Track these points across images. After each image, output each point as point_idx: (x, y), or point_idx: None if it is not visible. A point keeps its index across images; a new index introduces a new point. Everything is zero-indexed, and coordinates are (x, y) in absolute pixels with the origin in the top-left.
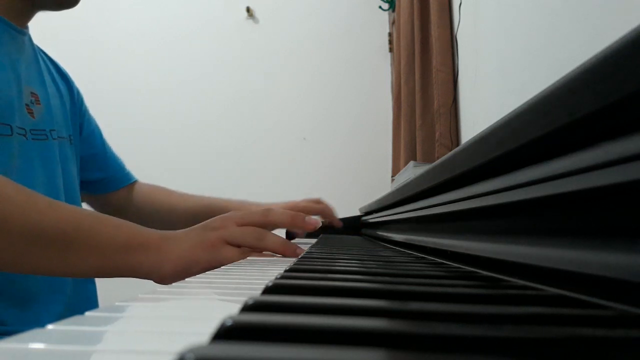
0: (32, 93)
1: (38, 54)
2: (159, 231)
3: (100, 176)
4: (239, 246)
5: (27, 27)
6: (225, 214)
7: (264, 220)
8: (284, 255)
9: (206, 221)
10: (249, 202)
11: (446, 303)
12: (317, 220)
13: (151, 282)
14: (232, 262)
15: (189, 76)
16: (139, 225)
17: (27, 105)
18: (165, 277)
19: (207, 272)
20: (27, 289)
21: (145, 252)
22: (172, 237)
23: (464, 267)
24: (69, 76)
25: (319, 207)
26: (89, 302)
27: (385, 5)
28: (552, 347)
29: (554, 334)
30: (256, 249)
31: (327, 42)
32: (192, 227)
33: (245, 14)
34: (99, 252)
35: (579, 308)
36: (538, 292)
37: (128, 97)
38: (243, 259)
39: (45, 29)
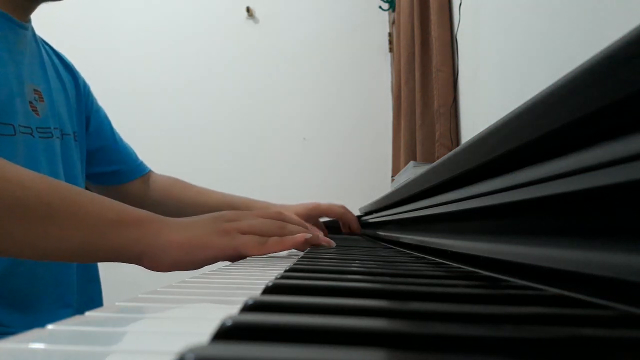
0: (35, 90)
1: (41, 46)
2: (157, 215)
3: (111, 169)
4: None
5: (29, 21)
6: (237, 211)
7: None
8: (314, 244)
9: (215, 213)
10: (273, 204)
11: (446, 303)
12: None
13: (150, 282)
14: (249, 251)
15: (188, 76)
16: (134, 207)
17: (30, 103)
18: (162, 263)
19: (206, 272)
20: (32, 294)
21: (140, 230)
22: (173, 222)
23: (464, 267)
24: (74, 68)
25: (340, 211)
26: (93, 303)
27: (385, 5)
28: (552, 347)
29: (554, 334)
30: (273, 249)
31: (327, 42)
32: (197, 216)
33: (245, 14)
34: (86, 226)
35: (579, 308)
36: (538, 292)
37: (126, 97)
38: (262, 251)
39: (44, 29)
